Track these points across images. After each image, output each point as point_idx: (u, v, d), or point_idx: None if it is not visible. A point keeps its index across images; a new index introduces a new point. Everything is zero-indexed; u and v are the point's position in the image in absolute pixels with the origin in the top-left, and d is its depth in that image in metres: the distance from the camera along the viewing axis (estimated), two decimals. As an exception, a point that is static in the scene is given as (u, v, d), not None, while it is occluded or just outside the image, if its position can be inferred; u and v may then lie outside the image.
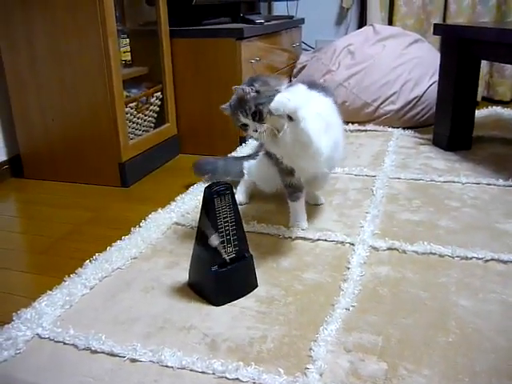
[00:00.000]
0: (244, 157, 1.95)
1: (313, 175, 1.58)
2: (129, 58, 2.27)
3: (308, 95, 1.39)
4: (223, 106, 1.43)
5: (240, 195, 1.76)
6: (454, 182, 1.90)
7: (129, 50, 2.26)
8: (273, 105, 1.27)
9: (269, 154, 1.58)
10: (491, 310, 1.15)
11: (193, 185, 1.94)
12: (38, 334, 1.10)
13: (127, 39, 2.24)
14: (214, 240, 1.16)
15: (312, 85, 1.46)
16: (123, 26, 2.27)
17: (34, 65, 1.97)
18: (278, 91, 1.34)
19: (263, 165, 1.66)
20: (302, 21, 3.42)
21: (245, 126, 1.38)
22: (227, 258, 1.19)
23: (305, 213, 1.59)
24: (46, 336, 1.09)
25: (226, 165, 1.95)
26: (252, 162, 1.79)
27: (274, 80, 1.41)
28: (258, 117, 1.35)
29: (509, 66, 3.20)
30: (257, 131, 1.36)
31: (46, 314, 1.16)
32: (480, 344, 1.04)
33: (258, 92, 1.35)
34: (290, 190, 1.55)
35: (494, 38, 1.93)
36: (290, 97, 1.28)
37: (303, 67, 3.12)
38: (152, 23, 2.24)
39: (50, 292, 1.25)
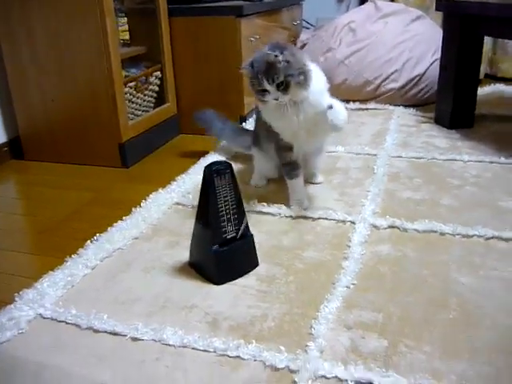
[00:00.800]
0: (249, 130, 1.95)
1: (310, 151, 1.60)
2: (127, 37, 2.25)
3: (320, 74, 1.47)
4: (244, 66, 1.41)
5: (257, 177, 1.75)
6: (455, 160, 1.89)
7: (127, 29, 2.25)
8: (339, 123, 1.38)
9: (261, 140, 1.63)
10: (492, 288, 1.15)
11: (193, 164, 1.93)
12: (40, 314, 1.11)
13: (125, 18, 2.22)
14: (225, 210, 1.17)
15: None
16: (121, 4, 2.24)
17: (32, 45, 1.95)
18: (306, 66, 1.38)
19: (258, 159, 1.71)
20: (303, -2, 3.38)
21: (264, 91, 1.38)
22: (227, 237, 1.19)
23: (305, 190, 1.59)
24: (49, 316, 1.10)
25: (234, 131, 1.99)
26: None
27: (298, 51, 1.43)
28: (284, 87, 1.36)
29: (512, 42, 3.17)
30: (277, 99, 1.37)
31: (48, 294, 1.17)
32: (480, 321, 1.04)
33: (287, 62, 1.35)
34: (288, 168, 1.54)
35: (498, 13, 1.90)
36: (341, 106, 1.39)
37: (304, 45, 3.09)
38: (150, 1, 2.21)
39: (52, 272, 1.26)
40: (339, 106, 1.39)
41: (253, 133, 1.77)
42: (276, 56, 1.33)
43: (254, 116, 1.80)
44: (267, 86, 1.36)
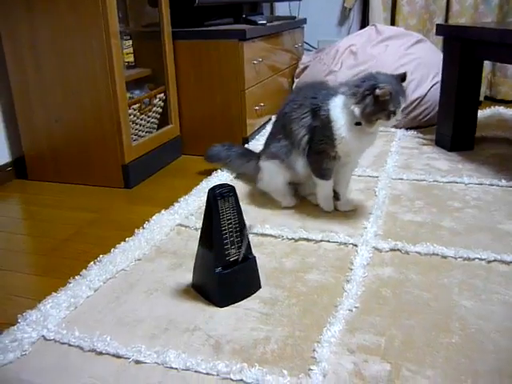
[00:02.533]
0: (255, 153, 1.94)
1: (344, 176, 1.69)
2: (132, 59, 2.28)
3: None
4: (385, 85, 1.44)
5: (288, 198, 1.75)
6: (456, 182, 1.90)
7: (132, 51, 2.27)
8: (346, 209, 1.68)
9: (280, 149, 1.66)
10: (494, 311, 1.15)
11: (196, 186, 1.94)
12: (43, 336, 1.11)
13: (130, 40, 2.25)
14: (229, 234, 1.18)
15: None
16: (126, 27, 2.28)
17: (38, 66, 1.98)
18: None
19: (275, 172, 1.70)
20: (305, 21, 3.42)
21: (394, 112, 1.46)
22: (230, 260, 1.19)
23: (332, 195, 1.68)
24: (52, 338, 1.10)
25: (240, 155, 1.98)
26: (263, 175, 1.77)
27: None
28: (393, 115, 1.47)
29: (511, 65, 3.20)
30: (396, 120, 1.49)
31: (51, 315, 1.17)
32: (482, 345, 1.04)
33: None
34: (324, 172, 1.61)
35: (497, 38, 1.93)
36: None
37: (305, 67, 3.13)
38: (155, 24, 2.24)
39: (55, 294, 1.26)
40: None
41: (266, 146, 1.76)
42: (404, 78, 1.49)
43: (273, 125, 1.78)
44: (399, 109, 1.46)
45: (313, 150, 1.60)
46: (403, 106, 1.46)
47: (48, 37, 1.93)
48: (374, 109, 1.44)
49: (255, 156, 1.87)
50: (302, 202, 1.76)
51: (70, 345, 1.08)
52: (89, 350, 1.06)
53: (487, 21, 3.21)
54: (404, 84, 1.47)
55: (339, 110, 1.51)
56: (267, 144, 1.75)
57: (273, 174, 1.71)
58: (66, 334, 1.11)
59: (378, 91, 1.41)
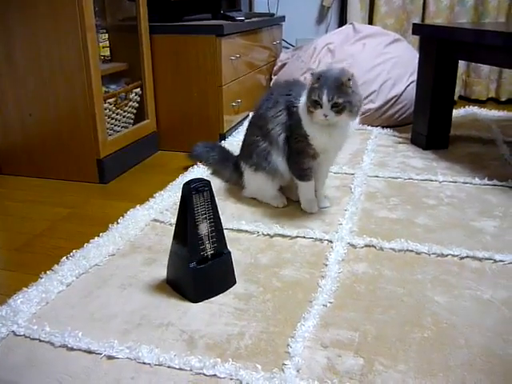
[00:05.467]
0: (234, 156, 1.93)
1: (323, 172, 1.68)
2: (108, 53, 2.25)
3: None
4: (313, 72, 1.46)
5: (279, 198, 1.72)
6: (431, 180, 1.92)
7: (108, 45, 2.25)
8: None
9: (260, 153, 1.64)
10: (466, 307, 1.17)
11: (172, 181, 1.93)
12: (13, 332, 1.09)
13: (106, 34, 2.22)
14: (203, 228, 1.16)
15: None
16: (103, 20, 2.25)
17: (11, 59, 1.94)
18: (361, 102, 1.48)
19: (262, 183, 1.69)
20: (283, 19, 3.42)
21: (317, 103, 1.43)
22: (204, 255, 1.19)
23: (315, 196, 1.67)
24: (22, 333, 1.08)
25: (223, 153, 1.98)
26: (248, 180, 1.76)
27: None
28: (338, 109, 1.42)
29: (485, 65, 3.25)
30: (325, 116, 1.43)
31: (22, 311, 1.15)
32: (454, 340, 1.06)
33: (353, 90, 1.43)
34: (304, 172, 1.60)
35: (472, 39, 1.95)
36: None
37: (283, 65, 3.13)
38: (132, 19, 2.22)
39: (26, 289, 1.24)
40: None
41: (246, 151, 1.72)
42: (349, 79, 1.42)
43: (249, 127, 1.74)
44: (324, 101, 1.41)
45: (292, 151, 1.59)
46: (327, 100, 1.40)
47: (22, 29, 1.89)
48: (307, 97, 1.47)
49: (234, 160, 1.87)
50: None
51: (40, 340, 1.06)
52: (60, 346, 1.05)
53: (462, 21, 3.25)
54: (347, 83, 1.42)
55: (304, 106, 1.51)
56: (247, 149, 1.70)
57: (261, 186, 1.70)
58: (37, 329, 1.09)
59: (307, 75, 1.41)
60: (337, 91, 1.41)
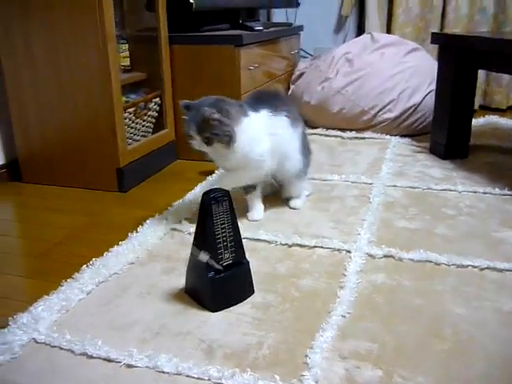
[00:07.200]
0: None
1: (281, 178, 1.74)
2: (128, 63, 2.28)
3: (253, 128, 1.56)
4: (183, 103, 1.54)
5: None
6: (450, 190, 1.91)
7: (128, 55, 2.28)
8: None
9: None
10: (486, 318, 1.15)
11: (190, 190, 1.94)
12: (34, 339, 1.10)
13: (126, 44, 2.25)
14: (203, 257, 1.17)
15: (263, 100, 1.64)
16: (123, 31, 2.28)
17: (33, 69, 1.98)
18: (233, 130, 1.49)
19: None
20: (301, 28, 3.43)
21: (191, 136, 1.51)
22: (223, 264, 1.19)
23: (261, 204, 1.72)
24: (42, 341, 1.10)
25: None
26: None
27: (236, 110, 1.53)
28: (207, 142, 1.50)
29: (506, 74, 3.22)
30: (199, 148, 1.53)
31: (43, 318, 1.16)
32: (474, 351, 1.04)
33: (220, 122, 1.47)
34: (246, 187, 1.68)
35: (491, 47, 1.94)
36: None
37: (301, 74, 3.13)
38: (151, 29, 2.25)
39: (47, 297, 1.25)
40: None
41: None
42: (211, 114, 1.46)
43: None
44: (194, 134, 1.49)
45: None
46: (196, 135, 1.49)
47: (43, 39, 1.92)
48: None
49: None
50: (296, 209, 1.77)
51: (60, 348, 1.07)
52: (80, 354, 1.06)
53: (482, 30, 3.23)
54: (213, 116, 1.46)
55: None
56: None
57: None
58: (57, 337, 1.10)
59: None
60: (203, 125, 1.48)
